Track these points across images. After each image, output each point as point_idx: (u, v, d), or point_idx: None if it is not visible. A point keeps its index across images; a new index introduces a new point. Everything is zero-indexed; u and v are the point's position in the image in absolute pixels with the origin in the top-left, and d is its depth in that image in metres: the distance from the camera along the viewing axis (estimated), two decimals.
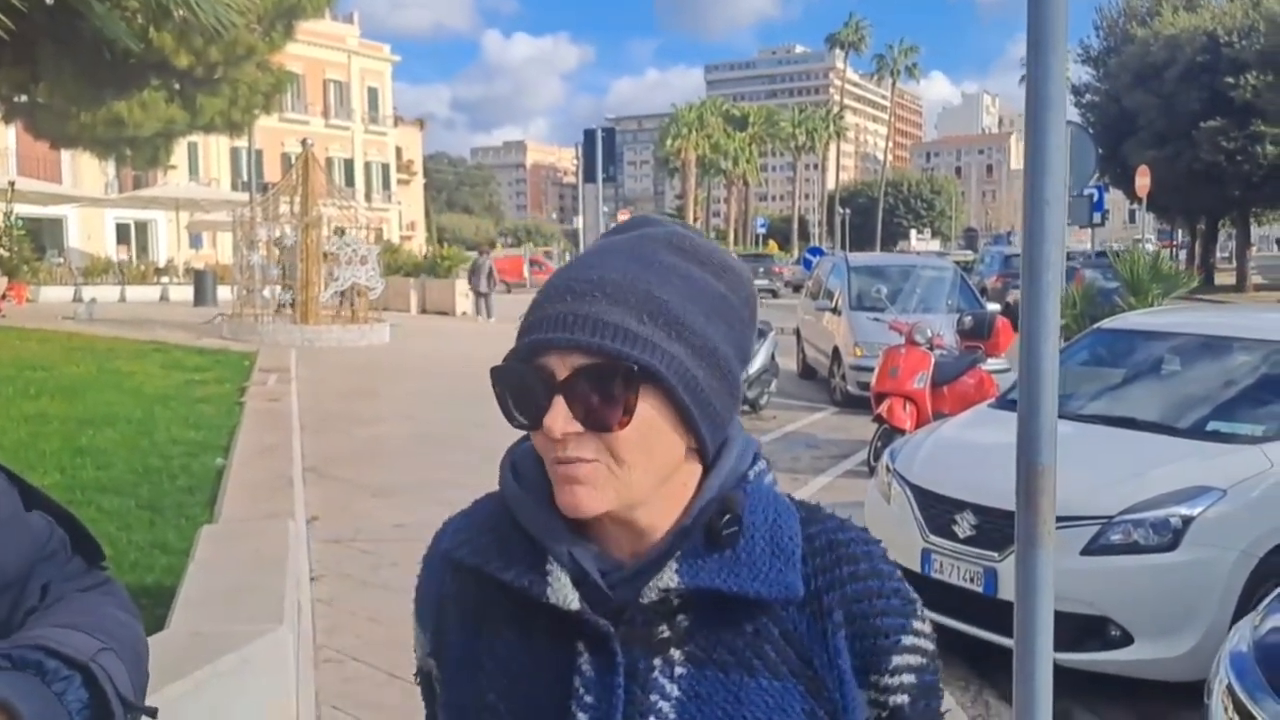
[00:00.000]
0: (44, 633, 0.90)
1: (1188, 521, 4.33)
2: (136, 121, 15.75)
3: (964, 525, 4.67)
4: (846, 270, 13.63)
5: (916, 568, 4.76)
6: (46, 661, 0.86)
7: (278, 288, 17.82)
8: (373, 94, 57.50)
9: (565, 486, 0.90)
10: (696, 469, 0.96)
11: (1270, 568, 4.27)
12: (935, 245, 73.37)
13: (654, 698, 0.91)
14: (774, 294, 38.61)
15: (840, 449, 9.85)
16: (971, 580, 4.60)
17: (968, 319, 10.35)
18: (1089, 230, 18.57)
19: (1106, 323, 6.84)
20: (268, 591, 3.43)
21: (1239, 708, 2.88)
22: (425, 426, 10.11)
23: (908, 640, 0.95)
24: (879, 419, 8.59)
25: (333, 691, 4.13)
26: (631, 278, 0.90)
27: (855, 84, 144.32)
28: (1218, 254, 54.06)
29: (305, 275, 17.22)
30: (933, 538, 4.80)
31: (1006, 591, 4.36)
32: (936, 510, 4.85)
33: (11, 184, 26.59)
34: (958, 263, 18.88)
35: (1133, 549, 4.34)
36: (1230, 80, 34.34)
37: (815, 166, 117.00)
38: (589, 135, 19.74)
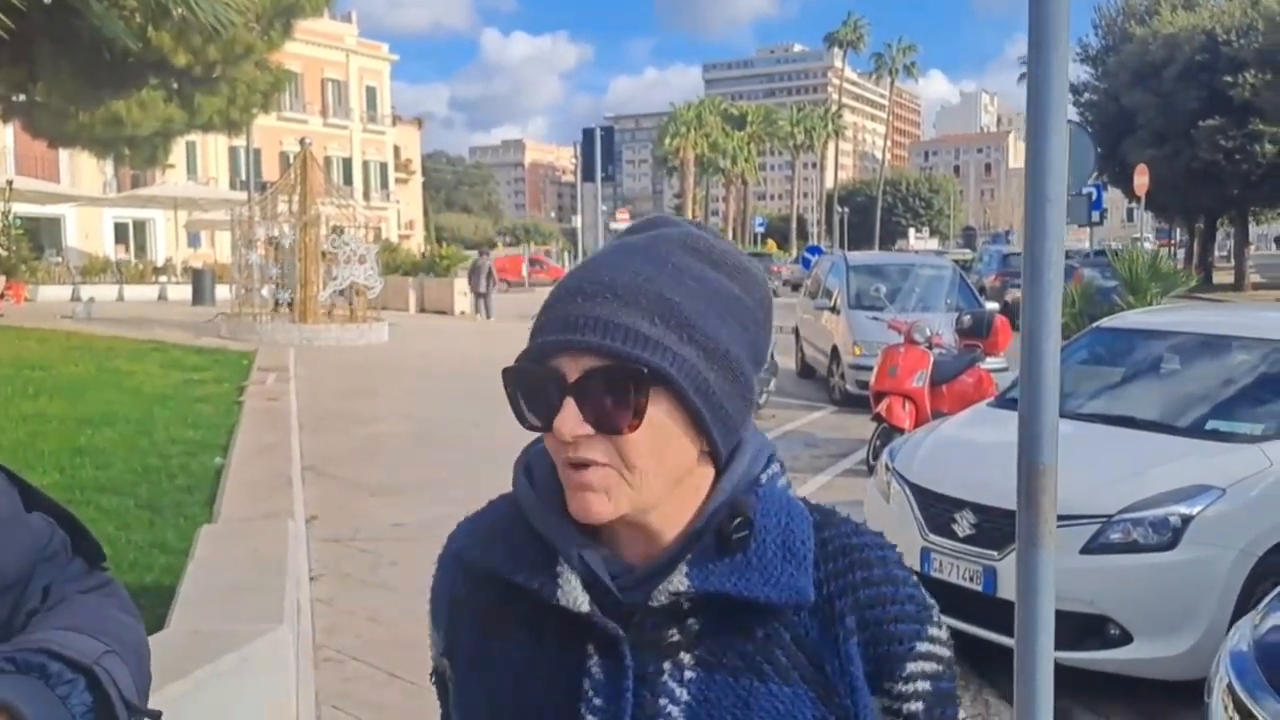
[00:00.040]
0: (46, 635, 0.89)
1: (1187, 520, 4.33)
2: (135, 120, 15.74)
3: (963, 524, 4.67)
4: (845, 269, 13.64)
5: (916, 567, 4.76)
6: (50, 665, 0.85)
7: (276, 286, 17.80)
8: (371, 93, 57.47)
9: (577, 493, 0.90)
10: (709, 472, 0.95)
11: (1269, 566, 4.27)
12: (934, 244, 73.33)
13: (663, 701, 0.91)
14: (773, 293, 38.62)
15: (839, 448, 9.85)
16: (971, 579, 4.60)
17: (966, 318, 10.36)
18: (1087, 229, 18.61)
19: (1105, 322, 6.84)
20: (267, 591, 3.43)
21: (1239, 707, 2.88)
22: (424, 425, 10.11)
23: (922, 647, 0.94)
24: (878, 418, 8.59)
25: (332, 691, 4.13)
26: (644, 279, 0.90)
27: (853, 83, 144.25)
28: (1216, 253, 54.11)
29: (304, 274, 17.22)
30: (932, 537, 4.80)
31: (1006, 590, 4.36)
32: (936, 509, 4.85)
33: (9, 183, 26.59)
34: (956, 261, 18.88)
35: (1132, 548, 4.34)
36: (1229, 79, 34.36)
37: (814, 165, 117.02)
38: (588, 134, 19.78)
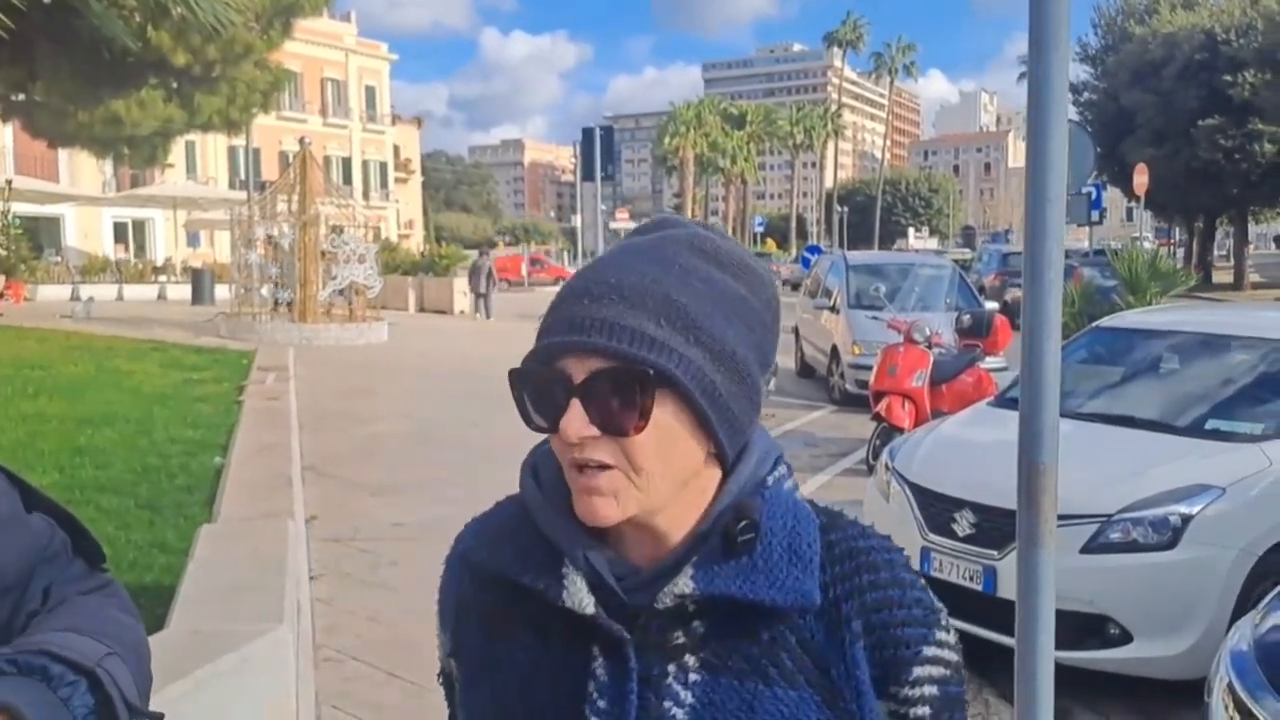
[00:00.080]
0: (48, 637, 0.89)
1: (1187, 520, 4.33)
2: (134, 120, 15.74)
3: (963, 524, 4.67)
4: (845, 269, 13.64)
5: (916, 566, 4.73)
6: (51, 666, 0.85)
7: (275, 286, 17.80)
8: (370, 92, 57.46)
9: (583, 497, 0.90)
10: (716, 474, 0.95)
11: (1269, 566, 4.27)
12: (933, 243, 73.30)
13: (668, 704, 0.91)
14: None
15: (839, 447, 9.85)
16: (971, 579, 4.60)
17: (966, 317, 10.36)
18: (1086, 228, 18.60)
19: (1105, 321, 6.84)
20: (267, 591, 3.43)
21: (1239, 706, 2.88)
22: (423, 425, 10.11)
23: (929, 651, 0.94)
24: (877, 417, 8.59)
25: (332, 691, 4.13)
26: (650, 281, 0.89)
27: (853, 82, 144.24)
28: (1215, 252, 54.10)
29: (303, 274, 17.21)
30: (932, 536, 4.80)
31: (1006, 590, 4.36)
32: (936, 509, 4.85)
33: (9, 182, 26.59)
34: (955, 261, 18.89)
35: (1132, 547, 4.34)
36: (1228, 78, 34.35)
37: (813, 165, 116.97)
38: (587, 134, 19.78)
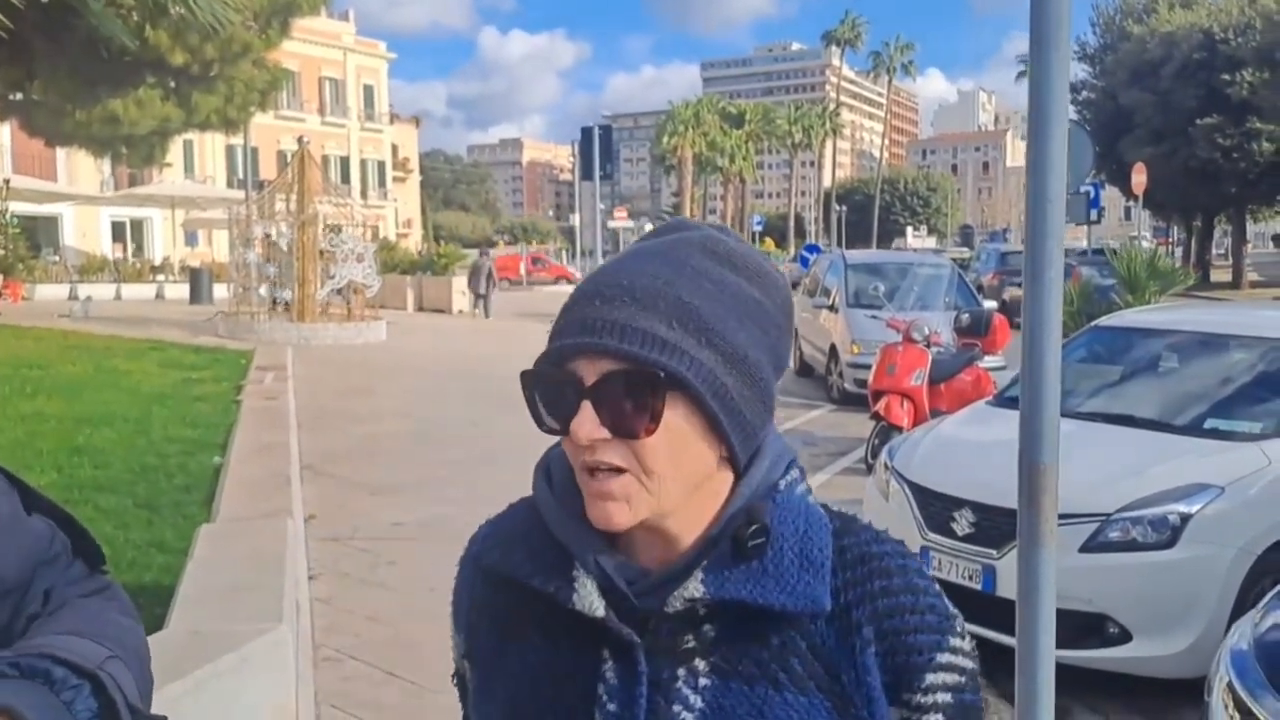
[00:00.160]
0: (49, 640, 0.89)
1: (1186, 519, 4.33)
2: (132, 119, 15.73)
3: (962, 523, 4.67)
4: (844, 268, 13.65)
5: None
6: (54, 669, 0.85)
7: (272, 285, 17.80)
8: (369, 91, 57.44)
9: (595, 501, 0.90)
10: (728, 477, 0.95)
11: (1268, 565, 4.27)
12: (931, 242, 73.29)
13: (677, 708, 0.91)
14: None
15: (838, 446, 9.85)
16: (970, 578, 4.60)
17: (965, 316, 10.36)
18: (1084, 227, 18.59)
19: (1104, 320, 6.84)
20: (266, 590, 3.43)
21: (1239, 705, 2.88)
22: (422, 424, 10.11)
23: (943, 658, 0.93)
24: (876, 416, 8.59)
25: (332, 690, 4.12)
26: (662, 283, 0.89)
27: (851, 81, 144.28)
28: (1214, 251, 54.12)
29: (301, 273, 17.20)
30: (931, 535, 4.80)
31: (1005, 589, 4.37)
32: (935, 508, 4.85)
33: (6, 182, 26.58)
34: (954, 260, 18.89)
35: (1131, 546, 4.34)
36: (1226, 77, 34.35)
37: (811, 164, 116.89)
38: (586, 133, 19.78)
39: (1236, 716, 2.89)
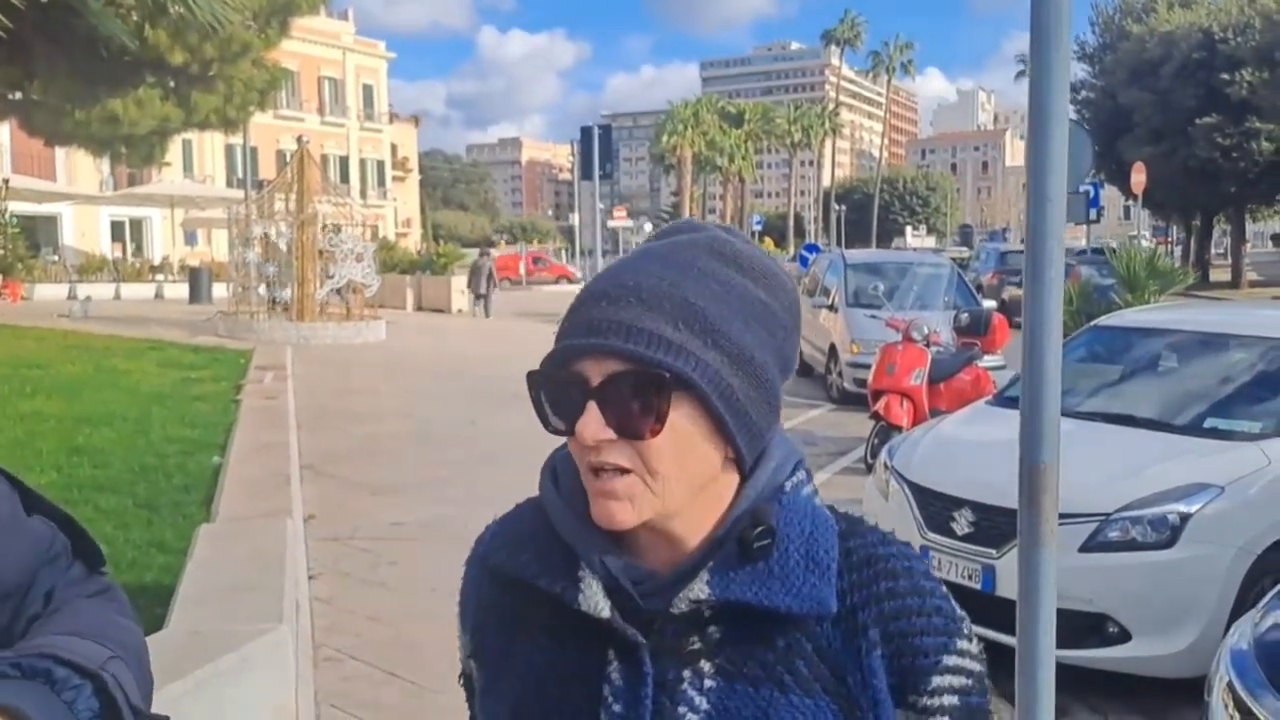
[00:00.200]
0: (51, 641, 0.89)
1: (1185, 518, 4.33)
2: (131, 119, 15.72)
3: (962, 522, 4.67)
4: (843, 267, 13.64)
5: None
6: (55, 670, 0.85)
7: (270, 284, 17.79)
8: (368, 91, 57.43)
9: (600, 500, 0.90)
10: (734, 479, 0.95)
11: (1268, 564, 4.27)
12: (931, 242, 73.34)
13: (682, 709, 0.91)
14: None
15: (837, 446, 9.85)
16: (969, 578, 4.60)
17: (964, 316, 10.35)
18: (1083, 227, 18.59)
19: (1103, 320, 6.84)
20: (266, 590, 3.43)
21: (1239, 705, 2.88)
22: (422, 424, 10.10)
23: (950, 660, 0.93)
24: (876, 416, 8.59)
25: (332, 690, 4.12)
26: (668, 284, 0.89)
27: (851, 81, 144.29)
28: (1213, 250, 54.12)
29: (301, 273, 17.20)
30: (931, 535, 4.80)
31: (1005, 589, 4.37)
32: (934, 507, 4.85)
33: (6, 181, 26.59)
34: (953, 259, 18.88)
35: (1131, 546, 4.34)
36: (1226, 77, 34.35)
37: (811, 163, 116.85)
38: (585, 132, 19.72)
39: (1236, 716, 2.89)
